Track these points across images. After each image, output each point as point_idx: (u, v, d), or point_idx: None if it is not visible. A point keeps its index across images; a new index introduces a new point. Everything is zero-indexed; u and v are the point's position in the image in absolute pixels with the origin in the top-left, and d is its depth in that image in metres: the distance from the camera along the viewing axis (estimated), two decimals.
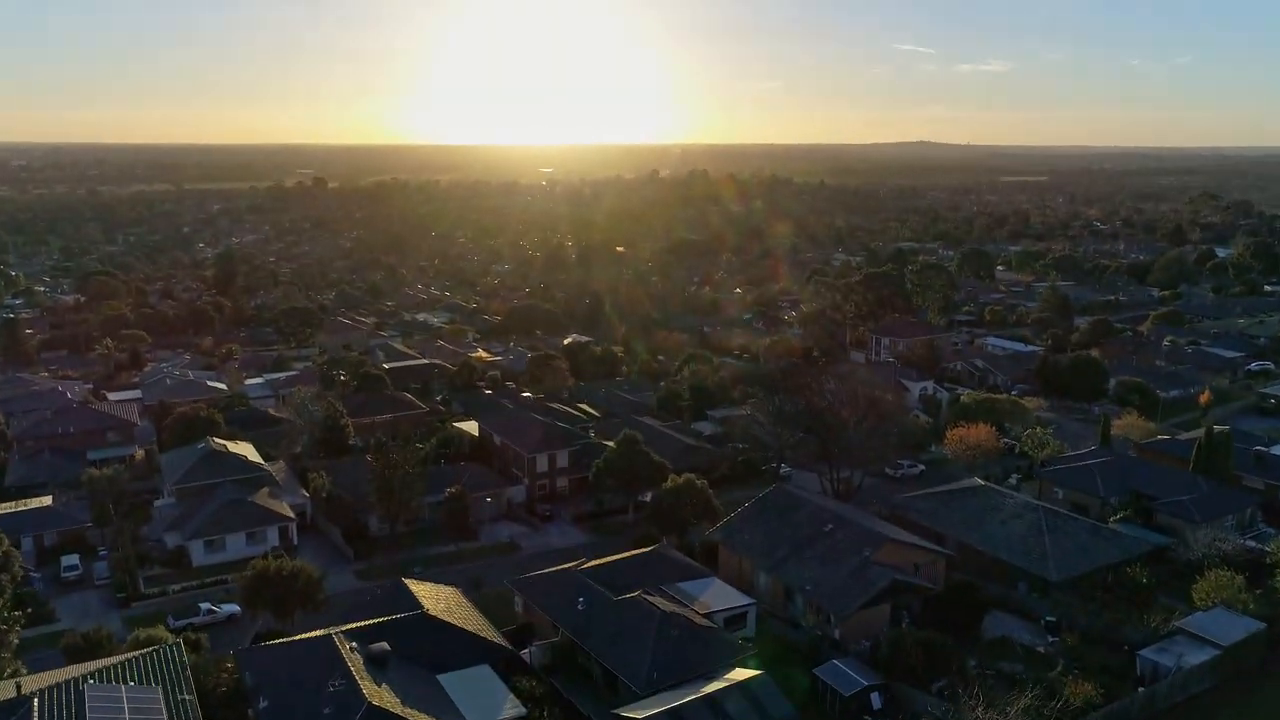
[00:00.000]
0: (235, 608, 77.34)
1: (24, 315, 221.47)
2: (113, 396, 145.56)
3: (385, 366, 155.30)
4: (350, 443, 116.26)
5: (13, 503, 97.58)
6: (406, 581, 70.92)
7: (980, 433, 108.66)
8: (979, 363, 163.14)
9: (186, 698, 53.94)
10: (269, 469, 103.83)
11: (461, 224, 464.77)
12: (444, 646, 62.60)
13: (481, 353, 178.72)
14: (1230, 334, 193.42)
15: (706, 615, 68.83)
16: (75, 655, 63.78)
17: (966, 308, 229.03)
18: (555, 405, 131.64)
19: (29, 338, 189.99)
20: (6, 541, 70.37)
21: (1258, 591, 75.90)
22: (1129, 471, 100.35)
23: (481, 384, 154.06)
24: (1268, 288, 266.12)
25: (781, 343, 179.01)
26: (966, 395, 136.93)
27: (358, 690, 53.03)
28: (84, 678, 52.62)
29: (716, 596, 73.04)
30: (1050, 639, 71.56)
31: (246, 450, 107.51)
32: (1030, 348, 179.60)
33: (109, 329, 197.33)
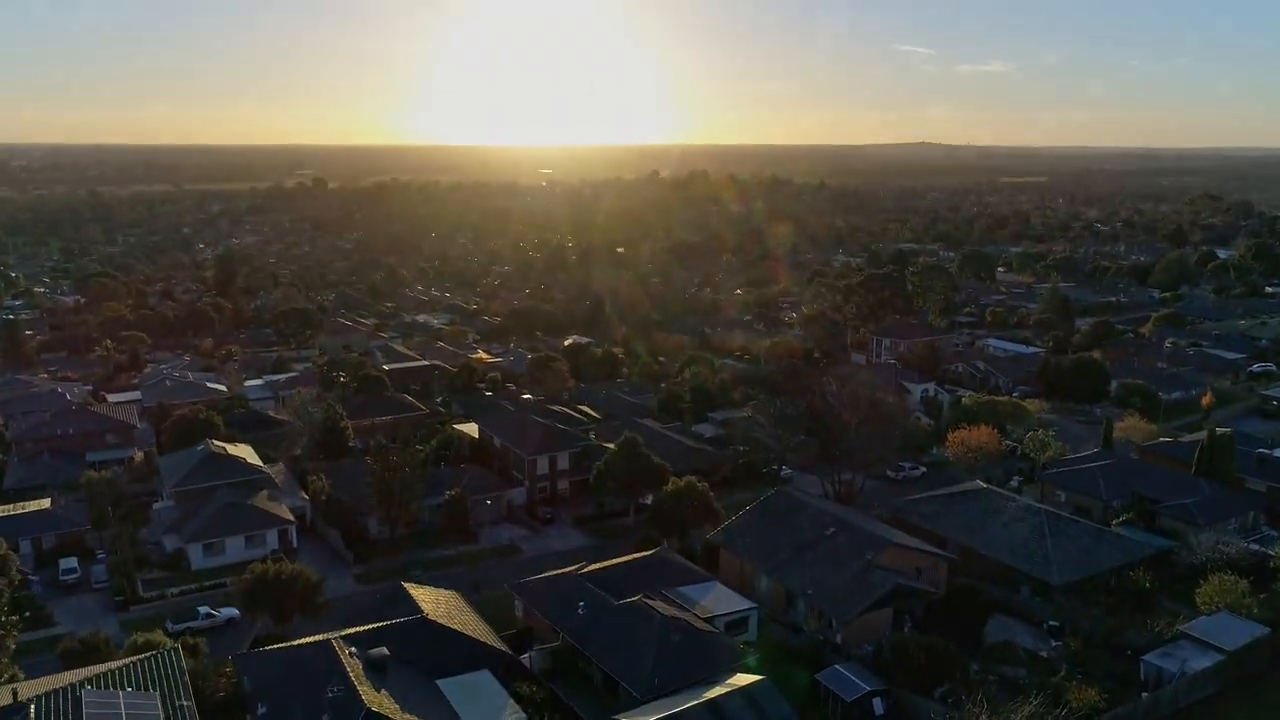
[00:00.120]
0: (234, 611, 77.02)
1: (24, 316, 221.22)
2: (112, 398, 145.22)
3: (385, 368, 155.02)
4: (350, 445, 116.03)
5: (11, 505, 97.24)
6: (406, 585, 70.60)
7: (982, 435, 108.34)
8: (980, 364, 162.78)
9: (185, 704, 53.60)
10: (268, 471, 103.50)
11: (462, 225, 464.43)
12: (444, 651, 62.27)
13: (482, 354, 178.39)
14: (1231, 335, 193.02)
15: (708, 620, 68.51)
16: (73, 660, 63.53)
17: (967, 309, 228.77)
18: (555, 407, 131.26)
19: (29, 339, 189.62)
20: (4, 545, 70.16)
21: (1262, 596, 75.51)
22: (1131, 474, 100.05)
23: (481, 385, 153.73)
24: (1269, 289, 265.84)
25: (782, 344, 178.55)
26: (968, 397, 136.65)
27: (357, 696, 52.72)
28: (81, 684, 52.23)
29: (718, 601, 72.75)
30: (1053, 643, 71.22)
31: (246, 452, 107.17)
32: (1031, 349, 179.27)
33: (108, 330, 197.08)
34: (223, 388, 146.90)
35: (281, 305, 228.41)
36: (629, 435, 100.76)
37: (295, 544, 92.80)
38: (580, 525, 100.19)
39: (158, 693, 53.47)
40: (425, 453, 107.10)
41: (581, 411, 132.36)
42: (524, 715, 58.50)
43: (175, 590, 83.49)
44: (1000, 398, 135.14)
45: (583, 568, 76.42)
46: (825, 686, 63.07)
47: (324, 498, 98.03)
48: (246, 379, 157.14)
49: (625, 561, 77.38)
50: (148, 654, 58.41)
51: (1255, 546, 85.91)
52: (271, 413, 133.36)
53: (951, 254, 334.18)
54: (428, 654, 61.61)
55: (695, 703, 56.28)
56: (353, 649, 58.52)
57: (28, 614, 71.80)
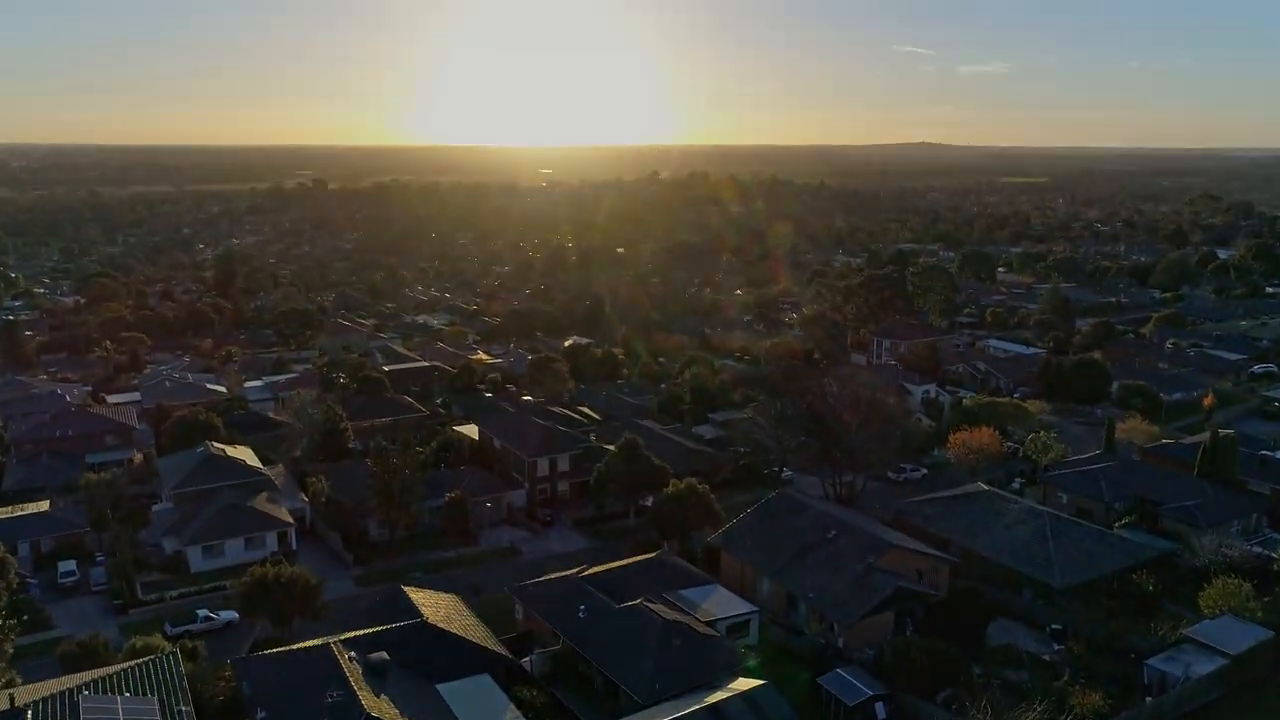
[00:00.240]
0: (233, 614, 76.67)
1: (23, 317, 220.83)
2: (111, 399, 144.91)
3: (385, 369, 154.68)
4: (350, 446, 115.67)
5: (10, 507, 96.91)
6: (406, 589, 70.30)
7: (983, 436, 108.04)
8: (981, 365, 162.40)
9: (183, 708, 53.31)
10: (268, 473, 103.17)
11: (461, 225, 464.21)
12: (443, 655, 62.02)
13: (481, 355, 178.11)
14: (1232, 336, 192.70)
15: (709, 623, 68.23)
16: (71, 663, 63.25)
17: (968, 310, 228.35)
18: (556, 408, 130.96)
19: (28, 340, 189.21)
20: (3, 547, 69.88)
21: (1266, 599, 75.09)
22: (1133, 476, 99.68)
23: (481, 387, 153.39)
24: (1270, 289, 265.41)
25: (782, 345, 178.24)
26: (969, 398, 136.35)
27: (356, 701, 52.47)
28: (79, 688, 51.96)
29: (719, 604, 72.43)
30: (1056, 647, 70.87)
31: (245, 454, 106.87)
32: (1032, 350, 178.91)
33: (108, 331, 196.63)
34: (222, 389, 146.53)
35: (281, 306, 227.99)
36: (629, 437, 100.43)
37: (295, 546, 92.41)
38: (580, 527, 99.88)
39: (156, 698, 53.19)
40: (425, 454, 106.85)
41: (581, 413, 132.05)
42: None
43: (174, 593, 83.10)
44: (1001, 399, 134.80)
45: (583, 570, 76.10)
46: (827, 690, 62.75)
47: (324, 499, 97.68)
48: (246, 380, 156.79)
49: (626, 564, 77.11)
50: (146, 658, 58.18)
51: (1258, 549, 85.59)
52: (271, 414, 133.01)
53: (952, 254, 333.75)
54: (427, 658, 61.37)
55: (697, 707, 56.01)
56: (352, 653, 58.27)
57: (26, 617, 71.59)
